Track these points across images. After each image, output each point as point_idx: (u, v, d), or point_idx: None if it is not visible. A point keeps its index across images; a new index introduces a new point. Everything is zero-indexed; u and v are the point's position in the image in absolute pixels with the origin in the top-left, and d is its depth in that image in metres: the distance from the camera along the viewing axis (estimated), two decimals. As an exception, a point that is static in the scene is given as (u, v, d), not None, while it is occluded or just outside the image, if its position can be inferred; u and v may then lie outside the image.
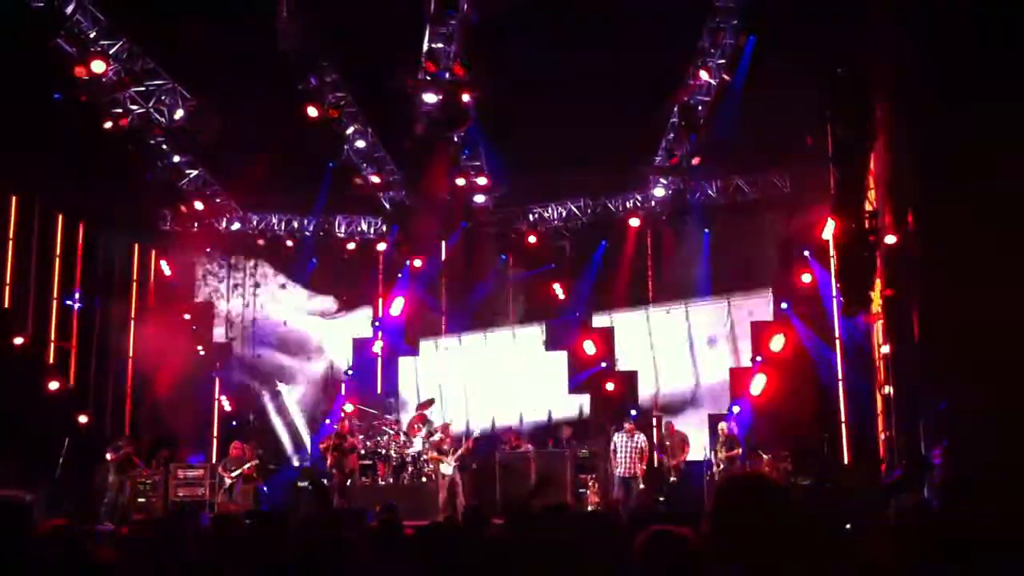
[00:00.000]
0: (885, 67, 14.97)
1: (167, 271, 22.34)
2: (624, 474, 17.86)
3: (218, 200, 21.95)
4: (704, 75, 18.11)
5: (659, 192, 21.40)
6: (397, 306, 23.22)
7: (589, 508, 17.16)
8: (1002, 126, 12.26)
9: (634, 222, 22.13)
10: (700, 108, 18.63)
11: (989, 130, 12.40)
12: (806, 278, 19.91)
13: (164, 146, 19.26)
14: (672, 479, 18.34)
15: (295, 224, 23.70)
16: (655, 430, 19.65)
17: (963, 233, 12.85)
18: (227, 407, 22.82)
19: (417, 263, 23.09)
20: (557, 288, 22.97)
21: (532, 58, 17.56)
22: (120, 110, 17.64)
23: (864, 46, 14.86)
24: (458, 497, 17.60)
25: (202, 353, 22.68)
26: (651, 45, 17.09)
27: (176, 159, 20.01)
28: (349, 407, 20.75)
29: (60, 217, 19.80)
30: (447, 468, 17.89)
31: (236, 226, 22.84)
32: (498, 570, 4.34)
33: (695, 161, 19.51)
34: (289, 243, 23.77)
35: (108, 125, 17.47)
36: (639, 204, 22.13)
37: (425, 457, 18.63)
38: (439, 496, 17.70)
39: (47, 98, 16.72)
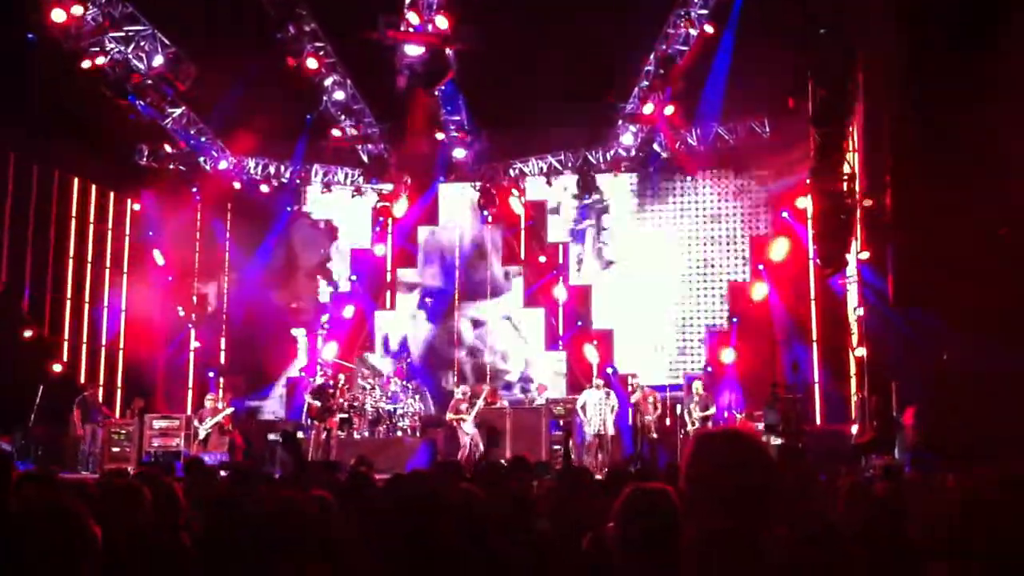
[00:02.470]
0: (866, 31, 14.95)
1: (143, 219, 22.15)
2: (596, 430, 17.90)
3: (203, 139, 21.54)
4: (686, 25, 18.03)
5: (627, 139, 21.24)
6: (379, 249, 23.17)
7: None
8: (979, 90, 12.30)
9: (615, 174, 22.01)
10: (678, 59, 18.51)
11: (966, 95, 12.44)
12: (783, 239, 20.04)
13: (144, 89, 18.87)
14: (654, 435, 18.35)
15: (271, 169, 23.30)
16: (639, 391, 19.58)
17: (938, 197, 12.91)
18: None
19: (403, 206, 23.01)
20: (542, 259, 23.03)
21: (512, 9, 17.45)
22: (97, 48, 17.36)
23: (846, 9, 14.82)
24: (479, 452, 17.69)
25: (182, 313, 22.57)
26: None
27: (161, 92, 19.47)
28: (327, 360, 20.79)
29: (34, 166, 19.55)
30: (469, 427, 17.98)
31: (224, 164, 22.24)
32: (466, 524, 4.37)
33: (669, 111, 19.37)
34: (264, 188, 23.31)
35: (85, 64, 17.20)
36: (621, 155, 21.98)
37: (449, 418, 18.58)
38: (460, 453, 17.76)
39: (20, 42, 16.43)
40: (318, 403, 18.24)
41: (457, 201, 23.68)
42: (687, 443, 15.67)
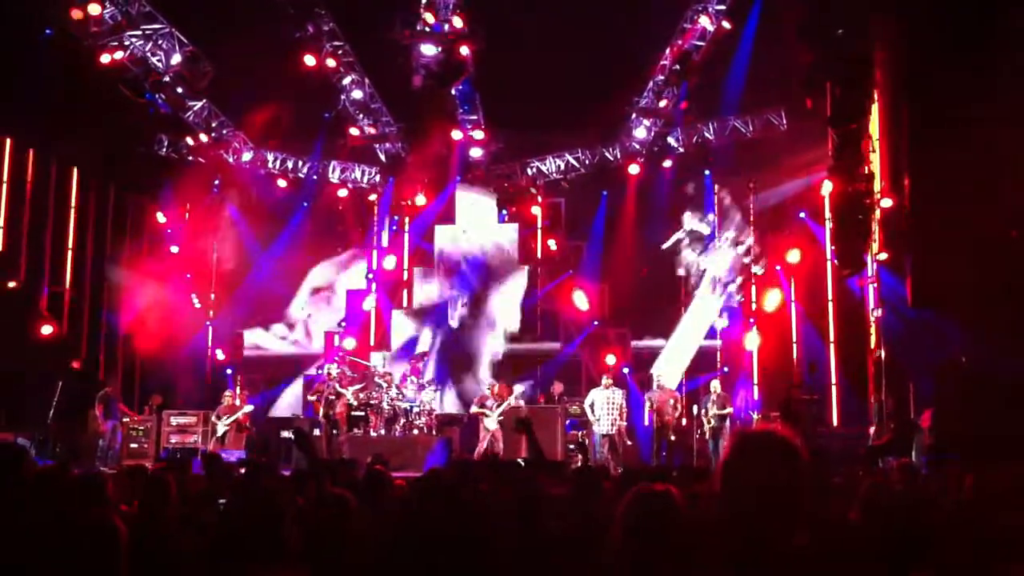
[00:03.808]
0: (884, 31, 14.91)
1: (162, 218, 22.20)
2: (606, 431, 17.82)
3: (225, 132, 21.54)
4: (704, 20, 18.00)
5: (640, 133, 21.14)
6: (390, 260, 23.14)
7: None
8: (996, 92, 12.26)
9: (633, 169, 21.88)
10: (695, 54, 18.47)
11: (983, 96, 12.39)
12: (800, 242, 19.98)
13: (162, 86, 18.90)
14: (672, 437, 18.24)
15: (289, 164, 23.29)
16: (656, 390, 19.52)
17: (956, 199, 12.87)
18: (220, 356, 22.81)
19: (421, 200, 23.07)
20: (552, 243, 22.98)
21: (527, 7, 17.46)
22: (116, 43, 17.43)
23: (861, 9, 14.78)
24: (498, 449, 17.70)
25: (198, 305, 22.63)
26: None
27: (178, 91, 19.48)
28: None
29: (53, 163, 19.65)
30: (491, 423, 18.03)
31: (247, 156, 22.15)
32: (482, 523, 4.39)
33: (683, 105, 19.31)
34: (282, 183, 23.34)
35: (105, 59, 17.26)
36: (636, 149, 21.73)
37: (474, 411, 18.68)
38: (477, 448, 17.84)
39: (38, 38, 16.49)
40: (315, 400, 18.33)
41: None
42: (704, 444, 15.60)
